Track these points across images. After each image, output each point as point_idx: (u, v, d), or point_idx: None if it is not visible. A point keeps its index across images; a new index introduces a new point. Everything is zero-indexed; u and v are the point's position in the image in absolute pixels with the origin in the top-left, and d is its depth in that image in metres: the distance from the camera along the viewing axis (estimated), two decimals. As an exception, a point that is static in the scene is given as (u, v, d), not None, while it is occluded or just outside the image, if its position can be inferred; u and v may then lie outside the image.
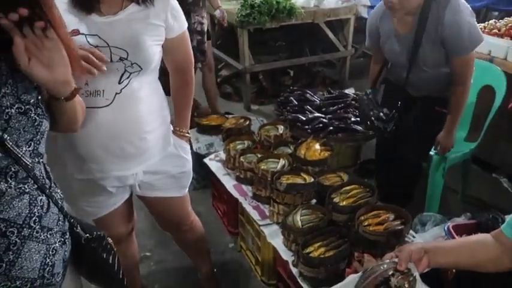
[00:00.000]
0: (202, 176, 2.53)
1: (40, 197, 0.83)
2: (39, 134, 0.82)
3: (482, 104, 2.28)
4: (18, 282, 0.80)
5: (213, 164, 2.19)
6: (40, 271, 0.83)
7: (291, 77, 4.32)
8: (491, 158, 2.65)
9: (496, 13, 4.03)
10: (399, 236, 1.47)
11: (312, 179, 1.76)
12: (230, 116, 2.79)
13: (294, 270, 1.50)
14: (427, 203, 2.21)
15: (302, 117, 2.50)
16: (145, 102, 1.28)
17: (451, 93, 1.90)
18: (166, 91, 1.43)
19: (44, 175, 0.87)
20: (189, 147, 1.50)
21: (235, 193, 1.98)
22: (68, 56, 0.81)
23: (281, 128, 2.25)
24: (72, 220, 0.96)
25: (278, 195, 1.73)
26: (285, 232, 1.62)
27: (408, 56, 1.89)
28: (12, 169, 0.77)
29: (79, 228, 0.97)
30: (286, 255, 1.58)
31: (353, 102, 2.70)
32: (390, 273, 1.08)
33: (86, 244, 0.96)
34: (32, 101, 0.81)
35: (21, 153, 0.78)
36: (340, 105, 2.65)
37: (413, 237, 1.60)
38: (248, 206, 1.88)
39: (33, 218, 0.81)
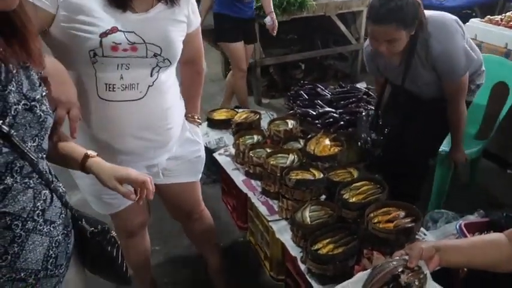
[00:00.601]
0: (212, 170, 2.53)
1: (44, 191, 0.85)
2: (43, 130, 0.84)
3: (495, 101, 2.23)
4: (22, 274, 0.82)
5: (223, 159, 2.19)
6: (43, 263, 0.85)
7: (302, 71, 4.28)
8: (506, 154, 2.60)
9: (514, 4, 3.93)
10: (409, 234, 1.45)
11: (322, 175, 1.75)
12: (240, 110, 2.77)
13: (303, 267, 1.49)
14: (432, 198, 2.18)
15: (312, 112, 2.47)
16: (171, 93, 1.34)
17: (448, 112, 1.90)
18: None
19: (47, 170, 0.89)
20: (200, 132, 1.57)
21: (244, 188, 1.97)
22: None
23: (291, 123, 2.23)
24: (77, 214, 0.99)
25: (287, 191, 1.72)
26: (293, 228, 1.62)
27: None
28: (18, 164, 0.79)
29: (84, 221, 0.99)
30: (295, 251, 1.57)
31: (364, 96, 2.67)
32: (400, 270, 1.06)
33: (91, 238, 0.98)
34: (37, 97, 0.83)
35: (27, 149, 0.80)
36: (351, 100, 2.62)
37: (425, 234, 1.58)
38: (257, 201, 1.88)
39: (37, 212, 0.83)
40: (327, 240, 1.49)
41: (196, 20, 1.37)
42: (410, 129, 2.03)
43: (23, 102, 0.79)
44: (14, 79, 0.79)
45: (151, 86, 1.26)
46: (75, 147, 1.05)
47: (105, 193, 1.36)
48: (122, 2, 1.15)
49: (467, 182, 2.43)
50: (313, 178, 1.73)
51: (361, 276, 1.33)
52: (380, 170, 2.08)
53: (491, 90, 2.22)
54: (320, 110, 2.48)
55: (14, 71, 0.79)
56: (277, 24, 3.20)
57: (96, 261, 1.03)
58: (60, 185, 0.95)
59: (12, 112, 0.77)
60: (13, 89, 0.78)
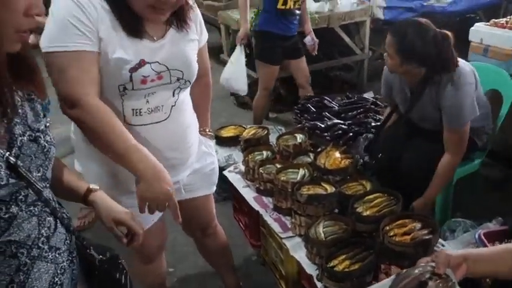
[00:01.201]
0: (223, 188, 2.51)
1: (48, 218, 0.85)
2: (47, 159, 0.85)
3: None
4: None
5: (233, 176, 2.17)
6: None
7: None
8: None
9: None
10: (427, 246, 1.41)
11: (334, 189, 1.72)
12: (248, 126, 2.77)
13: (319, 285, 1.46)
14: (437, 212, 2.13)
15: (321, 125, 2.45)
16: (188, 110, 1.38)
17: (440, 161, 1.87)
18: None
19: (51, 197, 0.89)
20: (213, 144, 1.60)
21: (255, 205, 1.95)
22: None
23: (300, 137, 2.22)
24: (85, 242, 0.99)
25: (299, 207, 1.69)
26: (308, 245, 1.59)
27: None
28: (22, 193, 0.79)
29: (92, 250, 0.99)
30: (310, 269, 1.54)
31: (372, 106, 2.64)
32: (427, 276, 1.02)
33: (100, 265, 0.98)
34: (41, 128, 0.84)
35: (33, 179, 0.80)
36: (359, 110, 2.60)
37: (443, 245, 1.53)
38: (269, 218, 1.85)
39: (42, 239, 0.83)
40: (343, 257, 1.46)
41: (205, 35, 1.40)
42: (407, 155, 2.02)
43: (28, 133, 0.81)
44: (19, 111, 0.80)
45: (173, 106, 1.29)
46: (77, 180, 1.07)
47: None
48: (139, 30, 1.16)
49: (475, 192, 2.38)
50: (325, 193, 1.71)
51: (385, 283, 1.29)
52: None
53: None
54: (328, 123, 2.46)
55: (19, 104, 0.80)
56: (317, 45, 3.24)
57: None
58: (65, 211, 0.95)
59: (18, 143, 0.78)
60: (18, 120, 0.80)
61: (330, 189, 1.73)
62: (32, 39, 1.34)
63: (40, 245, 0.82)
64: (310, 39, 3.19)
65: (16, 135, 0.78)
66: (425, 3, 4.18)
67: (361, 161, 1.99)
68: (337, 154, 1.92)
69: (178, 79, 1.26)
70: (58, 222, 0.89)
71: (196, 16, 1.31)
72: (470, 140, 1.90)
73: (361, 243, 1.51)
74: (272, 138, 2.44)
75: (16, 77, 0.78)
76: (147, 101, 1.22)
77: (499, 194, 2.45)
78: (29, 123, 0.82)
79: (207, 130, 1.59)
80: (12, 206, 0.76)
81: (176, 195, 1.44)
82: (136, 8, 1.13)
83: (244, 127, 2.66)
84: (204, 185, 1.53)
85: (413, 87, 1.93)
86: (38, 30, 0.96)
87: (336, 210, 1.74)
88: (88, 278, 1.00)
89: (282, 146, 2.15)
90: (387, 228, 1.48)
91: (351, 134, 2.36)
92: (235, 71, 3.33)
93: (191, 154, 1.42)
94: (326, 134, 2.39)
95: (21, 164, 0.78)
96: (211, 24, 4.44)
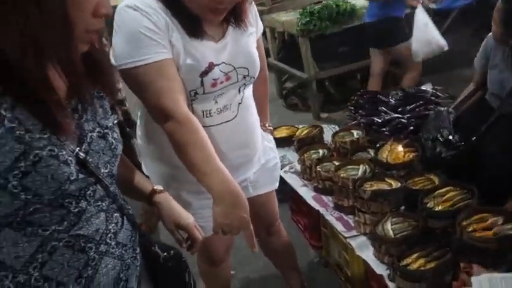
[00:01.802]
0: (278, 189, 2.47)
1: (115, 214, 0.86)
2: (114, 156, 0.86)
3: None
4: None
5: (289, 176, 2.13)
6: (115, 286, 0.84)
7: (358, 80, 4.15)
8: None
9: None
10: (513, 242, 1.27)
11: (399, 184, 1.62)
12: (300, 126, 2.72)
13: (391, 285, 1.37)
14: None
15: (378, 120, 2.34)
16: (253, 106, 1.37)
17: None
18: None
19: (118, 193, 0.89)
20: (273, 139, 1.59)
21: (315, 205, 1.89)
22: None
23: (357, 133, 2.13)
24: (149, 239, 0.99)
25: (363, 204, 1.61)
26: (375, 243, 1.50)
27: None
28: (91, 188, 0.80)
29: (157, 247, 0.99)
30: (380, 268, 1.45)
31: (432, 98, 2.49)
32: None
33: (163, 263, 0.98)
34: (109, 125, 0.86)
35: (101, 175, 0.81)
36: (418, 103, 2.45)
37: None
38: (331, 217, 1.78)
39: (109, 235, 0.83)
40: (416, 255, 1.35)
41: (261, 25, 1.38)
42: (493, 145, 1.81)
43: (97, 130, 0.82)
44: (89, 108, 0.82)
45: (240, 103, 1.29)
46: (143, 180, 1.08)
47: (199, 216, 1.35)
48: (200, 32, 1.15)
49: None
50: (389, 188, 1.61)
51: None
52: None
53: None
54: (386, 117, 2.34)
55: (89, 101, 0.82)
56: None
57: (167, 286, 1.02)
58: (130, 207, 0.95)
59: (88, 139, 0.80)
60: (89, 117, 0.81)
61: (395, 184, 1.63)
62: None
63: (108, 240, 0.83)
64: None
65: (86, 132, 0.80)
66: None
67: (450, 137, 1.76)
68: (400, 148, 1.82)
69: (244, 76, 1.26)
70: (125, 218, 0.89)
71: (252, 9, 1.29)
72: None
73: (434, 241, 1.40)
74: (326, 137, 2.38)
75: (86, 75, 0.79)
76: (216, 102, 1.22)
77: None
78: (98, 120, 0.84)
79: (267, 125, 1.58)
80: (82, 201, 0.78)
81: (244, 193, 1.44)
82: (193, 10, 1.12)
83: (296, 127, 2.61)
84: (269, 180, 1.51)
85: None
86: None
87: (402, 207, 1.64)
88: (151, 275, 1.00)
89: (338, 143, 2.07)
90: (464, 223, 1.36)
91: (412, 127, 2.24)
92: (426, 31, 3.17)
93: (258, 150, 1.41)
94: (384, 129, 2.28)
95: (91, 160, 0.79)
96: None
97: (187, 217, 1.06)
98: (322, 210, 1.84)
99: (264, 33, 4.54)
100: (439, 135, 1.82)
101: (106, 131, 0.84)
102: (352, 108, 2.63)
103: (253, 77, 1.30)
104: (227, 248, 1.55)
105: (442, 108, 2.04)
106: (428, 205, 1.50)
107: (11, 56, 0.66)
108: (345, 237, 1.65)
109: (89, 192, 0.79)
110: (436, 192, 1.54)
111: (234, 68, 1.21)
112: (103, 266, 0.81)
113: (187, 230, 1.05)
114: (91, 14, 0.73)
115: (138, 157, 1.62)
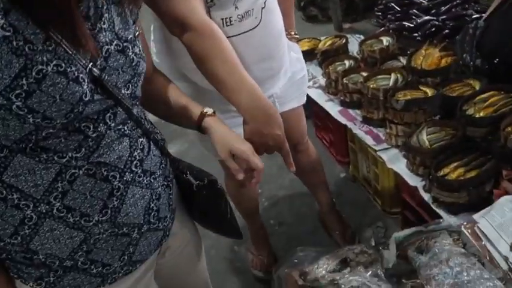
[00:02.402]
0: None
1: (140, 139, 0.77)
2: (136, 75, 0.74)
3: None
4: (125, 229, 0.76)
5: (313, 92, 2.01)
6: (145, 216, 0.78)
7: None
8: None
9: None
10: None
11: (435, 92, 1.49)
12: (323, 37, 2.53)
13: (426, 196, 1.32)
14: None
15: (409, 24, 2.13)
16: (277, 10, 1.22)
17: None
18: None
19: (143, 116, 0.80)
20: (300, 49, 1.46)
21: (342, 119, 1.80)
22: None
23: (386, 40, 1.96)
24: (180, 167, 0.90)
25: (395, 115, 1.51)
26: (409, 155, 1.42)
27: None
28: (111, 111, 0.70)
29: (189, 174, 0.90)
30: (414, 180, 1.39)
31: (471, -5, 2.23)
32: None
33: (198, 191, 0.90)
34: (130, 37, 0.72)
35: (121, 95, 0.71)
36: (454, 3, 2.20)
37: None
38: (359, 131, 1.70)
39: (135, 162, 0.75)
40: (455, 164, 1.28)
41: None
42: None
43: (115, 42, 0.69)
44: (105, 15, 0.68)
45: (263, 7, 1.14)
46: (189, 101, 0.92)
47: None
48: None
49: None
50: (425, 96, 1.49)
51: (504, 201, 1.12)
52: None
53: None
54: (418, 20, 2.13)
55: (104, 7, 0.68)
56: None
57: (205, 216, 0.96)
58: (158, 131, 0.87)
59: (104, 53, 0.67)
60: (105, 26, 0.68)
61: (431, 92, 1.51)
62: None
63: (133, 168, 0.75)
64: None
65: (102, 43, 0.67)
66: None
67: (471, 63, 1.59)
68: (436, 52, 1.65)
69: None
70: (151, 144, 0.80)
71: None
72: None
73: (475, 149, 1.31)
74: (351, 48, 2.21)
75: None
76: (236, 7, 1.08)
77: None
78: (117, 30, 0.70)
79: (293, 33, 1.43)
80: (101, 125, 0.69)
81: None
82: None
83: (318, 39, 2.43)
84: (296, 95, 1.39)
85: None
86: None
87: (438, 117, 1.53)
88: (186, 204, 0.94)
89: (366, 52, 1.92)
90: (510, 128, 1.25)
91: (447, 30, 2.03)
92: None
93: (285, 61, 1.28)
94: (416, 34, 2.08)
95: (107, 78, 0.68)
96: None
97: (243, 143, 0.89)
98: (349, 124, 1.75)
99: None
100: (460, 62, 1.64)
101: (126, 44, 0.71)
102: (380, 13, 2.41)
103: None
104: None
105: (470, 25, 1.78)
106: (468, 112, 1.38)
107: None
108: (375, 151, 1.59)
109: (108, 115, 0.70)
110: (477, 97, 1.42)
111: None
112: (130, 196, 0.74)
113: (245, 157, 0.87)
114: None
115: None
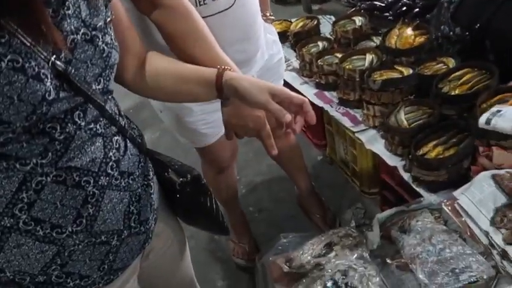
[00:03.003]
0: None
1: (115, 138, 0.69)
2: (108, 68, 0.66)
3: None
4: (103, 237, 0.69)
5: (287, 75, 1.97)
6: (125, 221, 0.72)
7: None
8: None
9: None
10: (537, 120, 1.19)
11: (411, 71, 1.49)
12: (294, 19, 2.48)
13: (406, 176, 1.32)
14: None
15: (380, 3, 2.13)
16: None
17: None
18: None
19: (117, 111, 0.72)
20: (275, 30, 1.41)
21: (318, 102, 1.78)
22: None
23: (359, 20, 1.94)
24: (161, 164, 0.84)
25: (372, 96, 1.50)
26: (387, 135, 1.42)
27: None
28: (80, 108, 0.63)
29: (170, 172, 0.84)
30: (393, 160, 1.40)
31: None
32: None
33: (181, 189, 0.84)
34: (100, 24, 0.64)
35: (91, 91, 0.63)
36: (424, -19, 2.21)
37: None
38: (336, 113, 1.68)
39: (110, 164, 0.67)
40: (433, 143, 1.29)
41: None
42: (502, 15, 1.62)
43: (82, 31, 0.61)
44: (69, 0, 0.60)
45: None
46: (196, 67, 0.81)
47: (202, 122, 1.24)
48: None
49: None
50: (401, 76, 1.49)
51: (483, 177, 1.14)
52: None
53: None
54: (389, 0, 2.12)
55: None
56: None
57: (189, 213, 0.90)
58: (135, 127, 0.80)
59: (69, 44, 0.59)
60: (69, 12, 0.59)
61: (406, 71, 1.50)
62: None
63: (109, 171, 0.67)
64: None
65: (66, 32, 0.59)
66: None
67: (451, 33, 1.56)
68: (409, 31, 1.65)
69: None
70: (128, 142, 0.73)
71: None
72: None
73: (452, 127, 1.32)
74: (323, 29, 2.18)
75: None
76: None
77: None
78: (83, 16, 0.62)
79: (268, 14, 1.39)
80: (69, 125, 0.61)
81: None
82: None
83: (290, 21, 2.38)
84: (273, 78, 1.35)
85: None
86: None
87: (413, 96, 1.53)
88: (169, 201, 0.88)
89: (339, 33, 1.89)
90: (485, 105, 1.26)
91: (418, 9, 2.03)
92: None
93: (261, 43, 1.24)
94: (388, 13, 2.08)
95: (75, 72, 0.60)
96: None
97: (270, 84, 0.78)
98: (326, 106, 1.74)
99: None
100: (439, 33, 1.65)
101: (95, 32, 0.63)
102: (351, -7, 2.39)
103: None
104: (233, 153, 1.47)
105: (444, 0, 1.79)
106: (443, 90, 1.39)
107: None
108: (353, 132, 1.58)
109: (77, 113, 0.62)
110: (452, 75, 1.42)
111: None
112: (107, 202, 0.68)
113: (287, 94, 0.73)
114: None
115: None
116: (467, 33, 1.51)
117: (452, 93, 1.36)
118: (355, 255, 1.09)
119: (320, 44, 1.96)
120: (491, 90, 1.29)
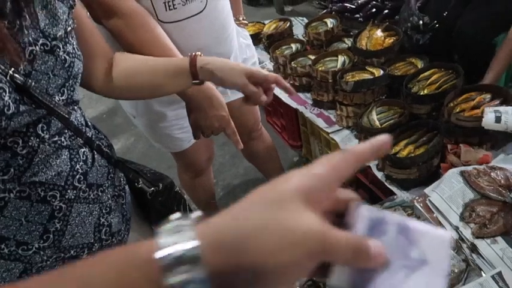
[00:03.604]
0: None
1: (82, 150, 0.68)
2: (71, 78, 0.64)
3: None
4: (72, 251, 0.68)
5: (261, 77, 1.99)
6: (96, 234, 0.71)
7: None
8: None
9: None
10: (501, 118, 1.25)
11: (381, 72, 1.53)
12: (267, 21, 2.50)
13: (380, 175, 1.35)
14: None
15: (350, 5, 2.17)
16: None
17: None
18: None
19: (83, 122, 0.70)
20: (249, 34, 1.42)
21: (292, 103, 1.80)
22: None
23: (330, 22, 1.97)
24: (131, 175, 0.83)
25: (345, 97, 1.53)
26: (360, 135, 1.45)
27: None
28: (43, 121, 0.61)
29: (141, 182, 0.83)
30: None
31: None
32: None
33: (153, 198, 0.83)
34: (60, 34, 0.62)
35: (54, 103, 0.61)
36: (392, -17, 2.27)
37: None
38: (311, 114, 1.71)
39: (77, 176, 0.66)
40: (405, 142, 1.32)
41: None
42: (466, 15, 1.70)
43: (41, 41, 0.59)
44: (25, 10, 0.58)
45: None
46: (168, 59, 0.82)
47: (176, 127, 1.24)
48: None
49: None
50: (372, 77, 1.52)
51: (452, 174, 1.18)
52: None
53: None
54: (359, 1, 2.17)
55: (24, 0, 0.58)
56: None
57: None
58: (103, 137, 0.78)
59: (28, 56, 0.58)
60: (26, 23, 0.58)
61: (377, 72, 1.54)
62: None
63: (76, 184, 0.66)
64: None
65: (24, 44, 0.57)
66: None
67: (420, 22, 1.62)
68: (379, 33, 1.69)
69: None
70: (96, 153, 0.71)
71: None
72: None
73: (423, 126, 1.36)
74: (296, 31, 2.21)
75: None
76: None
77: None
78: (42, 27, 0.60)
79: (241, 18, 1.40)
80: (31, 138, 0.59)
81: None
82: None
83: (263, 23, 2.40)
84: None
85: None
86: None
87: (384, 97, 1.57)
88: (142, 209, 0.87)
89: (312, 35, 1.92)
90: (452, 104, 1.31)
91: (387, 10, 2.09)
92: None
93: (233, 47, 1.24)
94: (358, 15, 2.12)
95: (35, 85, 0.58)
96: None
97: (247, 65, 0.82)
98: (300, 108, 1.76)
99: None
100: (409, 24, 1.70)
101: (55, 42, 0.61)
102: (322, -5, 2.42)
103: None
104: (209, 156, 1.47)
105: None
106: (413, 90, 1.43)
107: None
108: (328, 133, 1.60)
109: (40, 126, 0.60)
110: (420, 75, 1.47)
111: None
112: (75, 215, 0.66)
113: (262, 75, 0.76)
114: None
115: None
116: (435, 21, 1.57)
117: (421, 93, 1.41)
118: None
119: (293, 46, 1.98)
120: (457, 90, 1.34)
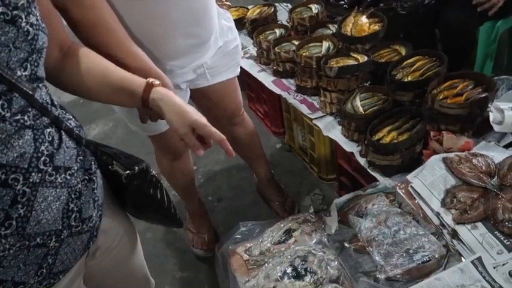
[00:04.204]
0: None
1: (48, 130, 0.64)
2: (35, 52, 0.60)
3: None
4: (38, 239, 0.64)
5: (244, 62, 1.95)
6: (64, 220, 0.66)
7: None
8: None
9: None
10: (483, 106, 1.25)
11: (366, 58, 1.51)
12: (250, 6, 2.45)
13: (362, 161, 1.34)
14: (477, 62, 1.92)
15: (335, -8, 2.14)
16: None
17: None
18: None
19: (48, 101, 0.66)
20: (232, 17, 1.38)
21: (276, 89, 1.77)
22: None
23: (315, 8, 1.94)
24: (105, 157, 0.78)
25: (329, 83, 1.51)
26: (344, 122, 1.44)
27: None
28: (4, 97, 0.56)
29: (115, 165, 0.79)
30: (349, 146, 1.42)
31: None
32: None
33: (128, 182, 0.79)
34: (21, 3, 0.58)
35: (16, 78, 0.57)
36: (376, -29, 2.25)
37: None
38: (294, 100, 1.68)
39: (43, 158, 0.62)
40: (388, 128, 1.32)
41: None
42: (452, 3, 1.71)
43: (0, 10, 0.55)
44: None
45: None
46: (128, 74, 0.79)
47: None
48: None
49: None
50: (357, 63, 1.51)
51: (434, 160, 1.17)
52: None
53: None
54: (344, -13, 2.14)
55: None
56: None
57: (139, 207, 0.85)
58: (72, 117, 0.74)
59: None
60: None
61: (362, 58, 1.52)
62: None
63: (41, 166, 0.62)
64: None
65: None
66: None
67: (405, 5, 1.66)
68: (364, 19, 1.67)
69: None
70: (63, 134, 0.67)
71: None
72: None
73: (405, 112, 1.35)
74: (280, 17, 2.17)
75: None
76: None
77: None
78: None
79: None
80: None
81: (201, 82, 1.26)
82: None
83: (246, 8, 2.35)
84: (229, 66, 1.32)
85: None
86: None
87: (368, 83, 1.56)
88: (117, 195, 0.83)
89: (296, 20, 1.89)
90: (435, 91, 1.31)
91: (372, -3, 2.07)
92: None
93: (214, 28, 1.19)
94: (343, 1, 2.09)
95: None
96: None
97: (197, 114, 0.78)
98: (284, 94, 1.73)
99: None
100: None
101: (16, 12, 0.57)
102: (307, -19, 2.38)
103: None
104: None
105: None
106: (396, 77, 1.42)
107: None
108: (311, 119, 1.58)
109: (0, 103, 0.56)
110: (404, 63, 1.46)
111: None
112: (40, 200, 0.62)
113: (208, 131, 0.77)
114: None
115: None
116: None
117: (405, 80, 1.40)
118: (314, 240, 1.10)
119: (277, 31, 1.94)
120: (441, 77, 1.33)
